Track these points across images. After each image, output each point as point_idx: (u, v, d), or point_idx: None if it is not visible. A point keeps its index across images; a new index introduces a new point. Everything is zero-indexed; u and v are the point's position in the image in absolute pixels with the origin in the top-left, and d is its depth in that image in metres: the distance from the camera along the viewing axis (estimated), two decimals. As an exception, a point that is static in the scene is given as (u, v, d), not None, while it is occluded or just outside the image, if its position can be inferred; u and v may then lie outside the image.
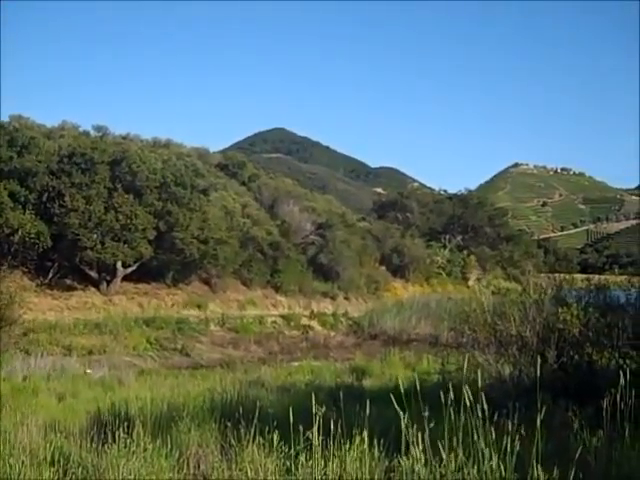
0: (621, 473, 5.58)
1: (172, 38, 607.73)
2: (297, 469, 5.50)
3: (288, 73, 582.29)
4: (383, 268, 65.28)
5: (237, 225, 49.78)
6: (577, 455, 4.86)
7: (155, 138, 61.17)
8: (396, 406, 5.03)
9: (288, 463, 5.68)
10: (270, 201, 59.84)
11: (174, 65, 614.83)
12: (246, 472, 5.70)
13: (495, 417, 5.13)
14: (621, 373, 5.50)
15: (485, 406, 4.83)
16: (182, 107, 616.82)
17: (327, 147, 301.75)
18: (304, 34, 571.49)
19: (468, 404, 4.79)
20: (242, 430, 6.30)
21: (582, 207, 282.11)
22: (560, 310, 10.75)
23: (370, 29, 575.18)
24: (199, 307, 43.14)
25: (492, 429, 4.85)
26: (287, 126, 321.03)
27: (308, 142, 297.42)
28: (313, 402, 5.41)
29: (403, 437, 4.94)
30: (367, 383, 17.92)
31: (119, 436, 6.43)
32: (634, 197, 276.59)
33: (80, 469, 6.39)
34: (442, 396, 4.92)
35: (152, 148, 53.23)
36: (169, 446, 6.58)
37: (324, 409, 5.39)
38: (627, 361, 9.38)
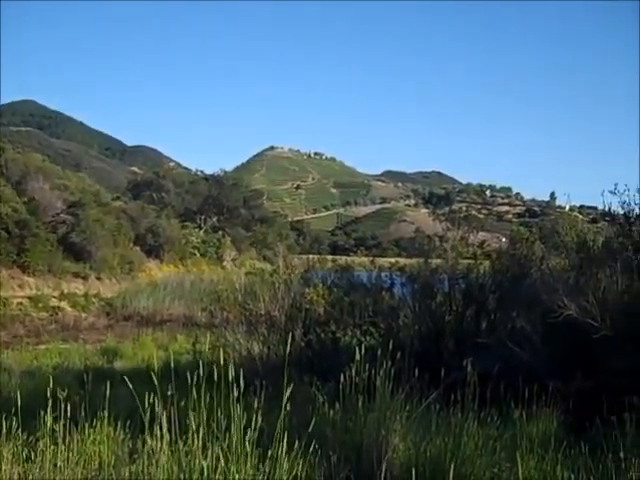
0: (354, 440, 5.98)
1: None
2: (37, 456, 5.31)
3: (36, 39, 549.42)
4: (138, 248, 64.06)
5: (-21, 201, 46.60)
6: (315, 427, 5.13)
7: None
8: (145, 386, 5.02)
9: (27, 450, 5.47)
10: (18, 177, 56.52)
11: None
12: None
13: (244, 394, 5.27)
14: (357, 349, 5.88)
15: (233, 384, 4.95)
16: None
17: (81, 123, 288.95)
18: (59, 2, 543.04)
19: (219, 382, 4.88)
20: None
21: (333, 191, 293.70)
22: (307, 290, 11.24)
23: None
24: None
25: (238, 406, 4.98)
26: (38, 98, 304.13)
27: (61, 117, 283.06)
28: (56, 386, 5.25)
29: (148, 417, 4.94)
30: (118, 365, 17.69)
31: None
32: (379, 183, 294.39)
33: None
34: (192, 375, 4.97)
35: None
36: None
37: (67, 392, 5.25)
38: (367, 337, 9.99)
